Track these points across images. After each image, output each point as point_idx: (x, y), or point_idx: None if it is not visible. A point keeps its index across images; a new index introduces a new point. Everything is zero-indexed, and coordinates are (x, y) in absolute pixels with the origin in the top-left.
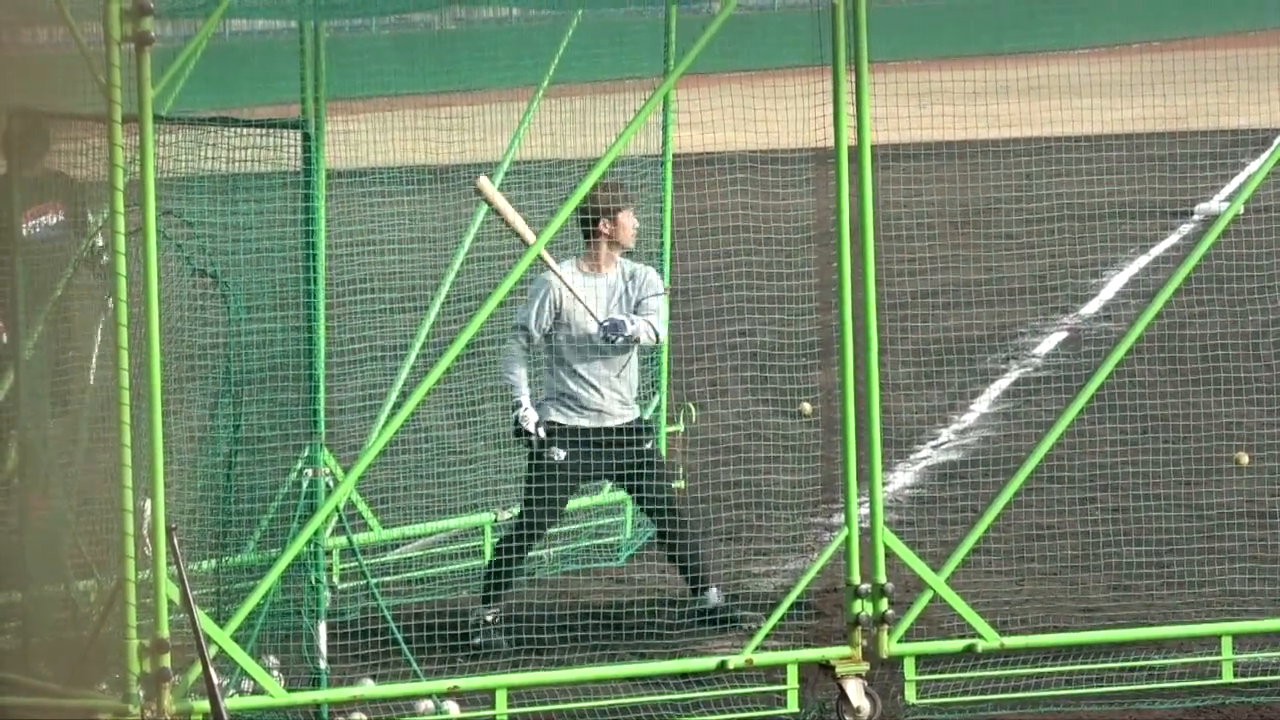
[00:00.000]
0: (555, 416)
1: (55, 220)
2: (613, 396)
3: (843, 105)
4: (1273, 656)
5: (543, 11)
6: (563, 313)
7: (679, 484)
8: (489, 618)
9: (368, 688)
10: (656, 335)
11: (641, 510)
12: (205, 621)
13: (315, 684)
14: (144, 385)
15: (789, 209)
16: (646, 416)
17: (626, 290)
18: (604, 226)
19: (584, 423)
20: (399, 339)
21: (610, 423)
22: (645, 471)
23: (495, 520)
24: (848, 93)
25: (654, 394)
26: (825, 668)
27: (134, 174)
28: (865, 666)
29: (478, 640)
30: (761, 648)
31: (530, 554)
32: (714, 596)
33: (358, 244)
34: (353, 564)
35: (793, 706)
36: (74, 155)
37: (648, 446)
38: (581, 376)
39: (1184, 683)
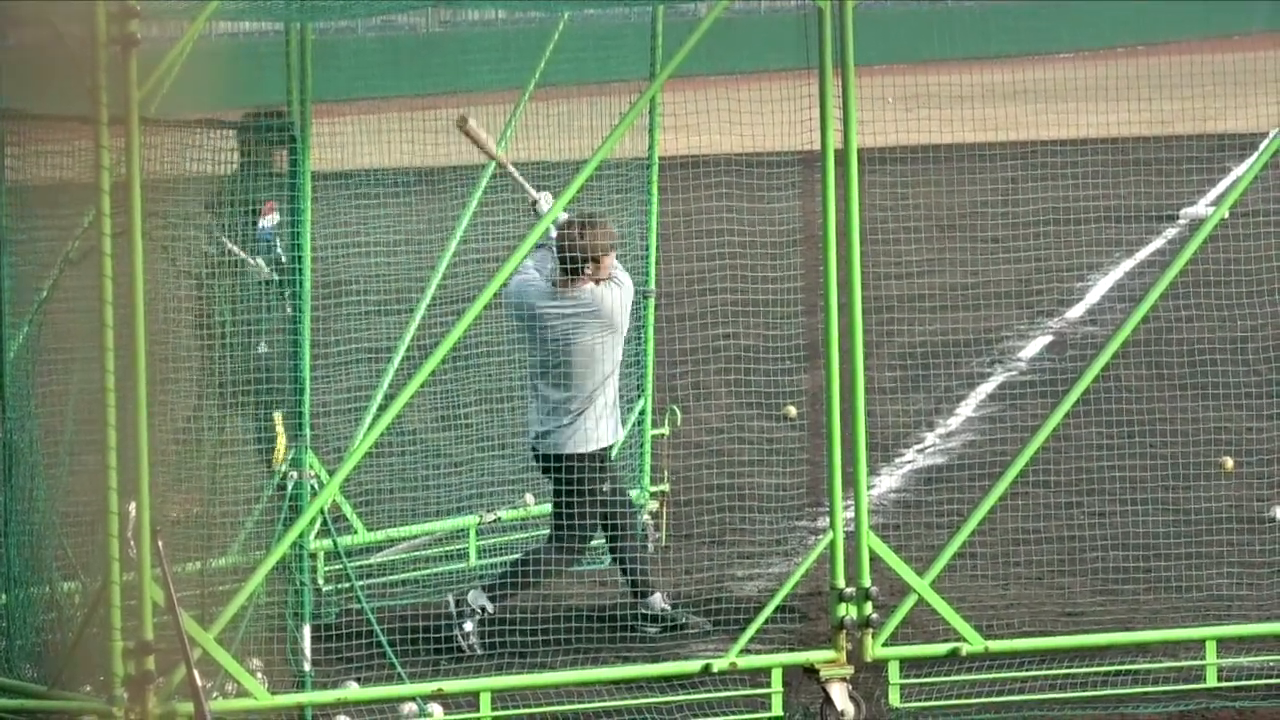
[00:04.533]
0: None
1: (272, 221)
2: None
3: (829, 109)
4: (1256, 661)
5: (529, 14)
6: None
7: (663, 487)
8: (486, 606)
9: (352, 690)
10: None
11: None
12: (189, 624)
13: (299, 686)
14: (129, 387)
15: (775, 213)
16: (631, 420)
17: (598, 307)
18: (588, 269)
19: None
20: (384, 341)
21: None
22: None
23: (480, 523)
24: (834, 96)
25: (638, 397)
26: (809, 671)
27: (120, 175)
28: (850, 670)
29: (467, 627)
30: (746, 651)
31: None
32: (658, 601)
33: (343, 246)
34: (337, 567)
35: (777, 710)
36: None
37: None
38: (557, 384)
39: (1168, 687)
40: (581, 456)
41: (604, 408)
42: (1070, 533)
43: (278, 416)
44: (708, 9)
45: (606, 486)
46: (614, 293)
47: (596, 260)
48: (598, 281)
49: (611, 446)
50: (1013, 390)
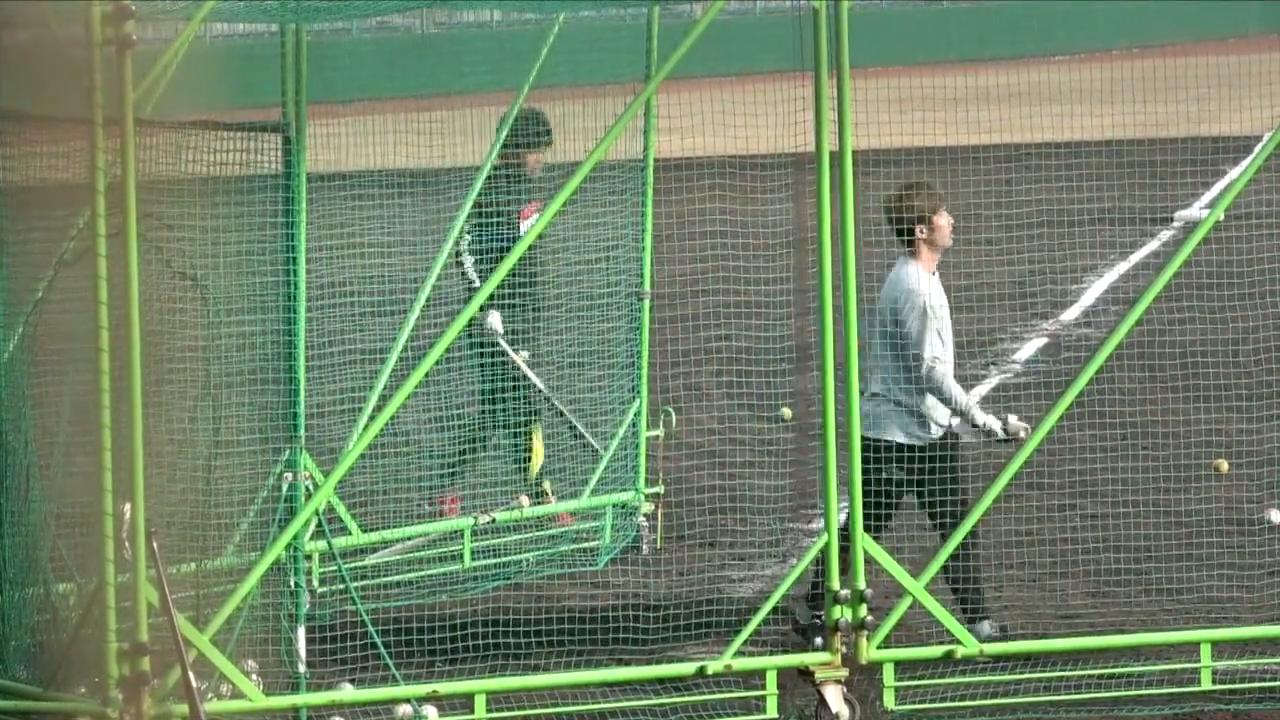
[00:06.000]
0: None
1: (533, 221)
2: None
3: (824, 111)
4: (1251, 664)
5: (524, 15)
6: (942, 328)
7: (658, 489)
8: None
9: (346, 692)
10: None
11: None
12: (184, 625)
13: (294, 688)
14: (124, 387)
15: (768, 214)
16: (628, 421)
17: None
18: (920, 232)
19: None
20: (379, 342)
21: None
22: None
23: (475, 524)
24: (829, 98)
25: (634, 398)
26: (804, 673)
27: (115, 176)
28: (844, 672)
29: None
30: (740, 653)
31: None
32: (985, 629)
33: (338, 247)
34: (332, 568)
35: (771, 712)
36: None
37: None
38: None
39: (1162, 690)
40: (867, 443)
41: (879, 399)
42: (1065, 535)
43: (537, 433)
44: (703, 10)
45: (896, 478)
46: (902, 283)
47: (925, 220)
48: (932, 245)
49: (892, 446)
50: (1007, 392)
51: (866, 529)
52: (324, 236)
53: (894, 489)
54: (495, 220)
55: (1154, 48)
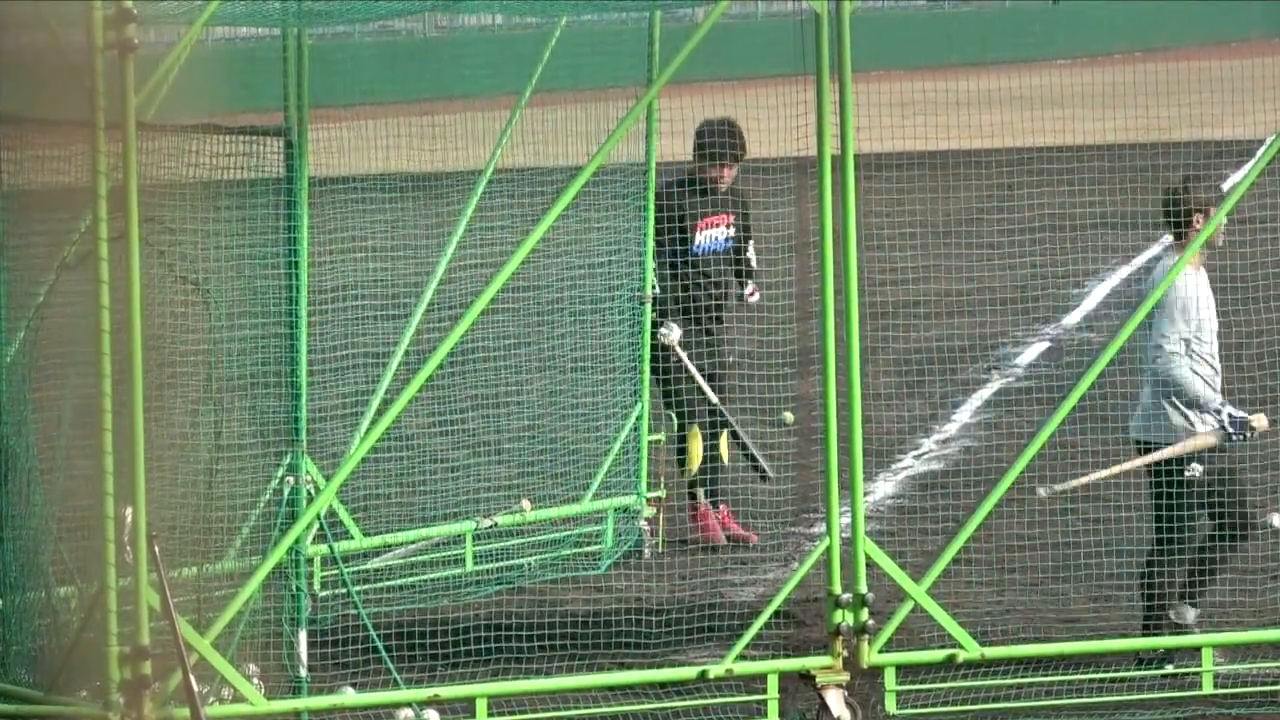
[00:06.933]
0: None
1: (725, 234)
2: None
3: (826, 114)
4: (1253, 668)
5: (526, 19)
6: (1200, 321)
7: (659, 493)
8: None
9: (348, 696)
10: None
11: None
12: (186, 629)
13: (295, 692)
14: (126, 391)
15: (769, 218)
16: (630, 425)
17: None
18: (1197, 223)
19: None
20: (382, 346)
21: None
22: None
23: (477, 528)
24: (831, 101)
25: (635, 402)
26: (806, 677)
27: (117, 180)
28: (846, 676)
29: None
30: (742, 657)
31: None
32: (1189, 614)
33: (341, 251)
34: (334, 572)
35: (773, 716)
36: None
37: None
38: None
39: (1164, 694)
40: (1133, 442)
41: (1148, 397)
42: (1066, 539)
43: (694, 436)
44: (705, 14)
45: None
46: (1158, 276)
47: (1202, 212)
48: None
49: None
50: (1009, 396)
51: (1188, 550)
52: (326, 240)
53: (1195, 488)
54: (676, 227)
55: (1156, 51)
